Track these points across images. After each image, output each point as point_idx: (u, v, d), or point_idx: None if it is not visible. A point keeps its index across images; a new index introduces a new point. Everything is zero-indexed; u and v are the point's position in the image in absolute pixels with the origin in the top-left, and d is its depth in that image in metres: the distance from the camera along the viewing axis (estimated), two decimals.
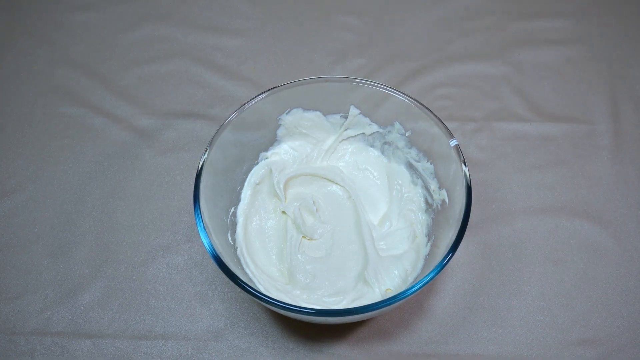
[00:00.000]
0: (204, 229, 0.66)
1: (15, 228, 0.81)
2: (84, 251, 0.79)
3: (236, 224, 0.75)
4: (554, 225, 0.79)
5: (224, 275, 0.77)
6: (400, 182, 0.78)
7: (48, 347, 0.73)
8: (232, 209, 0.76)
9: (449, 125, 0.78)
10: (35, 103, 0.90)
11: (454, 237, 0.65)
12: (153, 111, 0.90)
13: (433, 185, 0.75)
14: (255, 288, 0.65)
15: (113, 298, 0.76)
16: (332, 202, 0.78)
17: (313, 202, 0.77)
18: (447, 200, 0.72)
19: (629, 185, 0.82)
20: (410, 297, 0.63)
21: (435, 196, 0.74)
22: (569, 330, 0.73)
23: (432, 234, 0.73)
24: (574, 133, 0.86)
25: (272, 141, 0.79)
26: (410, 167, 0.78)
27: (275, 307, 0.63)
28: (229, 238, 0.73)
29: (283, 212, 0.76)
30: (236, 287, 0.76)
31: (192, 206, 0.79)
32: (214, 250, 0.65)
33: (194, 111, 0.90)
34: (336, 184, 0.79)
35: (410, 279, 0.70)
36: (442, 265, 0.63)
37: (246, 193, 0.77)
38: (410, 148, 0.77)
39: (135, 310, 0.76)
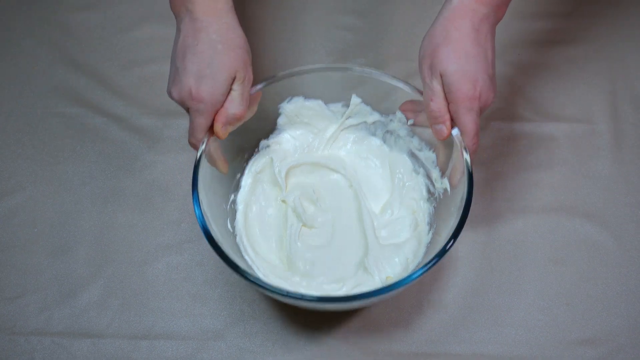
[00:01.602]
0: (202, 215, 0.65)
1: (15, 228, 0.81)
2: (84, 251, 0.79)
3: (236, 212, 0.75)
4: (554, 225, 0.79)
5: (224, 275, 0.77)
6: (402, 170, 0.78)
7: (48, 347, 0.73)
8: (232, 197, 0.75)
9: None
10: (35, 103, 0.90)
11: (455, 225, 0.65)
12: (153, 111, 0.90)
13: (435, 174, 0.74)
14: (254, 275, 0.64)
15: (113, 298, 0.76)
16: (333, 191, 0.78)
17: (314, 191, 0.77)
18: (448, 188, 0.71)
19: (629, 185, 0.82)
20: (411, 284, 0.63)
21: (437, 185, 0.74)
22: (569, 330, 0.73)
23: (434, 222, 0.73)
24: (574, 133, 0.86)
25: (272, 129, 0.79)
26: (412, 156, 0.77)
27: (274, 294, 0.63)
28: (229, 225, 0.73)
29: (283, 201, 0.76)
30: (236, 287, 0.76)
31: (192, 203, 0.79)
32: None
33: None
34: (337, 172, 0.79)
35: (412, 267, 0.70)
36: (443, 252, 0.63)
37: (247, 181, 0.77)
38: (412, 137, 0.77)
39: (135, 310, 0.75)
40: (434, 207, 0.74)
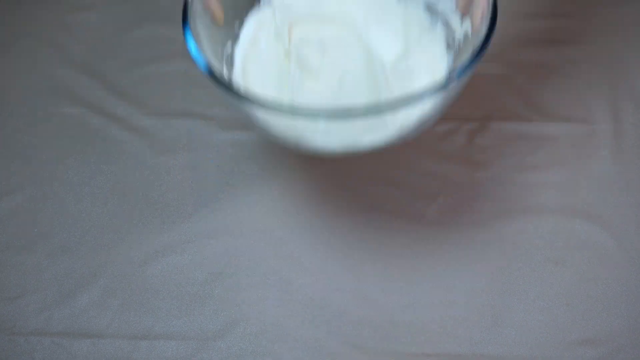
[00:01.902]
0: (196, 44, 0.61)
1: (15, 228, 0.81)
2: (84, 251, 0.79)
3: (233, 64, 0.72)
4: (554, 225, 0.79)
5: (223, 275, 0.77)
6: (418, 25, 0.74)
7: (48, 347, 0.73)
8: (230, 48, 0.72)
9: (449, 125, 0.78)
10: (35, 103, 0.90)
11: (467, 60, 0.61)
12: (153, 111, 0.90)
13: (455, 21, 0.71)
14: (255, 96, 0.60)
15: (113, 298, 0.76)
16: (341, 44, 0.73)
17: (319, 42, 0.72)
18: (470, 31, 0.68)
19: (629, 185, 0.82)
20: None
21: (457, 34, 0.70)
22: (569, 330, 0.73)
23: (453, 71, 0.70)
24: (574, 133, 0.86)
25: None
26: (429, 9, 0.74)
27: (280, 112, 0.58)
28: (225, 74, 0.69)
29: (286, 55, 0.72)
30: (236, 287, 0.76)
31: (192, 203, 0.79)
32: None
33: (194, 111, 0.89)
34: (347, 29, 0.74)
35: None
36: (458, 75, 0.60)
37: (246, 33, 0.73)
38: None
39: (135, 310, 0.76)
40: (453, 58, 0.70)
